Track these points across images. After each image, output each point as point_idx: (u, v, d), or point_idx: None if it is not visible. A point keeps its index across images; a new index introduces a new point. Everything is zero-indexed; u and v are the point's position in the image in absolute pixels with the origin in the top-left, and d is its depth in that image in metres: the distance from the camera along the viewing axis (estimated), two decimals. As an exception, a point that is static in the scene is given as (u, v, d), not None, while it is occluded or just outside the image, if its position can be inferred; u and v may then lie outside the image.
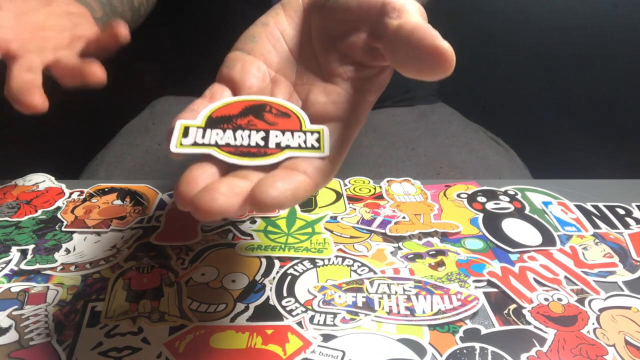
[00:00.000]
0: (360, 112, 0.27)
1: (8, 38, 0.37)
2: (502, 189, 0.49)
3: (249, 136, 0.25)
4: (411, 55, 0.23)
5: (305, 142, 0.25)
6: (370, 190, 0.49)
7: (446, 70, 0.22)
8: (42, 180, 0.49)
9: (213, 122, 0.26)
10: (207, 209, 0.21)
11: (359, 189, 0.49)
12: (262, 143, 0.25)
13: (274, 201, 0.21)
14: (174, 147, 0.24)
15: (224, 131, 0.25)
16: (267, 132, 0.26)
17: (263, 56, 0.30)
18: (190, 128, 0.25)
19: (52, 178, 0.49)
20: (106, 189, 0.47)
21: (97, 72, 0.37)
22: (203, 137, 0.25)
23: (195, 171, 0.23)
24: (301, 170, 0.24)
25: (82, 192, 0.47)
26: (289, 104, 0.28)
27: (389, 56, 0.25)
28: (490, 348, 0.31)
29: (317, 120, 0.27)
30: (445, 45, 0.22)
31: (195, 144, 0.25)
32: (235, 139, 0.25)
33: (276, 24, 0.30)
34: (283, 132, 0.26)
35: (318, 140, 0.25)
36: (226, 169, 0.24)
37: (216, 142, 0.25)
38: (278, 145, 0.25)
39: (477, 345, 0.31)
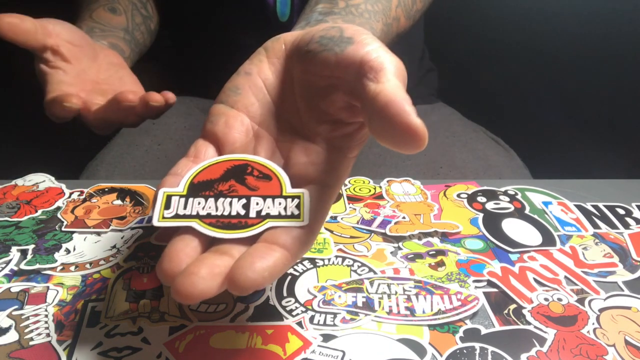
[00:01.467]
0: (342, 171, 0.27)
1: (80, 94, 0.42)
2: (502, 189, 0.49)
3: (230, 204, 0.26)
4: (385, 128, 0.23)
5: (285, 209, 0.25)
6: (370, 190, 0.49)
7: (418, 147, 0.22)
8: (42, 180, 0.49)
9: (195, 189, 0.26)
10: (188, 294, 0.22)
11: (359, 189, 0.49)
12: (243, 212, 0.25)
13: (252, 283, 0.22)
14: (156, 221, 0.25)
15: (206, 200, 0.26)
16: (248, 199, 0.26)
17: (246, 109, 0.30)
18: (172, 197, 0.26)
19: (52, 178, 0.49)
20: (106, 189, 0.47)
21: (157, 97, 0.39)
22: (185, 207, 0.25)
23: (177, 245, 0.24)
24: (280, 244, 0.24)
25: (82, 192, 0.47)
26: (271, 164, 0.28)
27: (366, 121, 0.24)
28: (490, 348, 0.31)
29: (299, 181, 0.27)
30: (418, 123, 0.22)
31: (177, 215, 0.25)
32: (216, 209, 0.25)
33: (259, 73, 0.30)
34: (264, 198, 0.26)
35: (298, 206, 0.25)
36: (208, 240, 0.25)
37: (197, 213, 0.25)
38: (259, 213, 0.25)
39: (477, 345, 0.31)
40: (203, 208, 0.25)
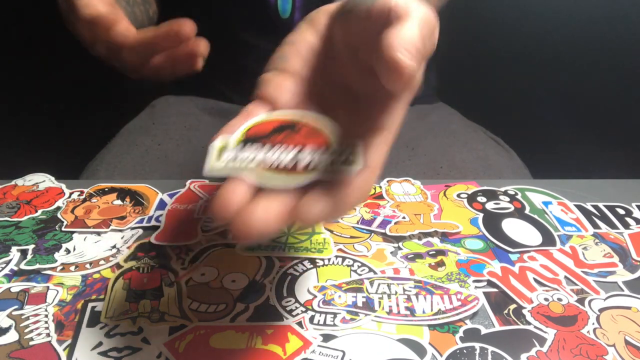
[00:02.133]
0: (396, 115, 0.27)
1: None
2: (502, 189, 0.49)
3: (281, 156, 0.26)
4: (376, 63, 0.23)
5: (338, 157, 0.25)
6: (370, 190, 0.49)
7: (399, 81, 0.22)
8: (42, 180, 0.49)
9: (246, 141, 0.27)
10: (246, 233, 0.22)
11: (359, 189, 0.49)
12: (293, 163, 0.25)
13: (316, 217, 0.23)
14: (207, 169, 0.25)
15: (257, 151, 0.26)
16: (299, 151, 0.26)
17: (294, 72, 0.30)
18: (224, 148, 0.26)
19: (52, 178, 0.49)
20: (106, 189, 0.47)
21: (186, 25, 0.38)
22: (235, 159, 0.26)
23: (229, 189, 0.24)
24: (337, 186, 0.24)
25: (82, 192, 0.47)
26: (321, 119, 0.28)
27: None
28: (490, 348, 0.31)
29: (350, 134, 0.27)
30: (399, 57, 0.22)
31: (228, 165, 0.26)
32: (267, 159, 0.26)
33: (303, 40, 0.31)
34: (314, 150, 0.26)
35: (350, 155, 0.25)
36: (257, 190, 0.25)
37: (248, 164, 0.25)
38: (309, 164, 0.25)
39: (477, 345, 0.31)
40: (253, 159, 0.26)
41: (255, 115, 0.29)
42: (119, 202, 0.45)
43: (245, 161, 0.25)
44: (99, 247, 0.39)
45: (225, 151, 0.26)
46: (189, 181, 0.49)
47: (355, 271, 0.37)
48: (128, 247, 0.39)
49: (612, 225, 0.44)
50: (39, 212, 0.44)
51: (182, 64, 0.41)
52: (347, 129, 0.27)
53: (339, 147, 0.26)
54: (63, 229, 0.41)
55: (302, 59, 0.31)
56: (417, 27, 0.24)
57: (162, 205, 0.45)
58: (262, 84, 0.30)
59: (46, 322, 0.32)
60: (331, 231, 0.42)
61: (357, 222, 0.43)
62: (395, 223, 0.43)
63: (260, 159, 0.26)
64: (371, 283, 0.36)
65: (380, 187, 0.49)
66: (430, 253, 0.39)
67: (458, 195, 0.48)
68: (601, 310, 0.34)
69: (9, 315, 0.32)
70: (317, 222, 0.22)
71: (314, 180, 0.24)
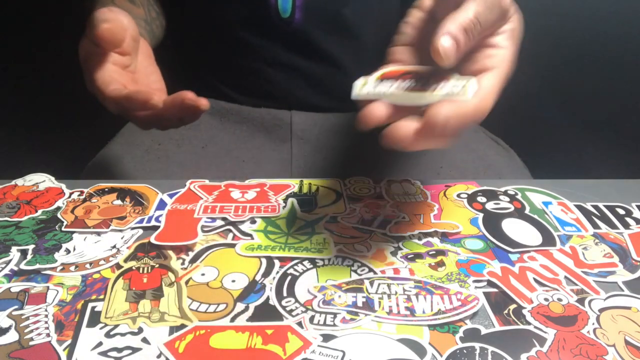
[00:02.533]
0: (501, 56, 0.34)
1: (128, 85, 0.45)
2: (502, 189, 0.49)
3: (412, 82, 0.34)
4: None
5: (457, 84, 0.33)
6: (370, 190, 0.49)
7: (442, 63, 0.31)
8: (42, 180, 0.49)
9: (382, 80, 0.35)
10: (393, 142, 0.31)
11: (359, 189, 0.49)
12: (422, 85, 0.33)
13: (445, 119, 0.29)
14: (354, 94, 0.34)
15: (392, 83, 0.34)
16: (426, 80, 0.34)
17: (412, 44, 0.39)
18: (365, 84, 0.35)
19: (52, 178, 0.49)
20: (106, 189, 0.47)
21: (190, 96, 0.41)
22: (375, 87, 0.34)
23: (372, 108, 0.33)
24: (459, 101, 0.31)
25: (82, 192, 0.47)
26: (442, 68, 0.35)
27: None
28: (490, 348, 0.31)
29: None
30: (440, 45, 0.31)
31: (370, 92, 0.34)
32: (401, 85, 0.34)
33: (413, 17, 0.39)
34: (439, 81, 0.33)
35: (467, 83, 0.32)
36: (394, 111, 0.33)
37: (386, 89, 0.34)
38: (436, 87, 0.33)
39: (477, 345, 0.31)
40: (389, 87, 0.34)
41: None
42: (119, 202, 0.45)
43: (383, 89, 0.34)
44: (99, 247, 0.39)
45: (366, 85, 0.35)
46: (189, 181, 0.49)
47: (355, 271, 0.37)
48: (128, 247, 0.39)
49: (612, 225, 0.44)
50: (39, 212, 0.44)
51: (186, 119, 0.45)
52: (462, 72, 0.34)
53: (457, 80, 0.33)
54: (63, 229, 0.41)
55: (415, 29, 0.39)
56: (472, 8, 0.32)
57: (162, 205, 0.45)
58: (390, 54, 0.39)
59: (46, 322, 0.32)
60: (331, 231, 0.42)
61: (357, 222, 0.43)
62: (395, 223, 0.43)
63: (395, 86, 0.34)
64: (371, 283, 0.36)
65: (380, 187, 0.49)
66: (430, 253, 0.39)
67: (458, 195, 0.48)
68: (601, 310, 0.34)
69: (9, 315, 0.32)
70: (445, 128, 0.29)
71: (440, 99, 0.31)
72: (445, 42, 0.31)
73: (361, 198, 0.47)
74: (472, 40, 0.33)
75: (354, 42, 0.64)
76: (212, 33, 0.67)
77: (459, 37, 0.31)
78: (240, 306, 0.34)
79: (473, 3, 0.32)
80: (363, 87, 0.35)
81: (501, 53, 0.35)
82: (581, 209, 0.46)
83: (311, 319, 0.33)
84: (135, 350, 0.30)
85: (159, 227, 0.42)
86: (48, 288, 0.35)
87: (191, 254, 0.39)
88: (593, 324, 0.33)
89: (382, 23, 0.65)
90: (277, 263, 0.38)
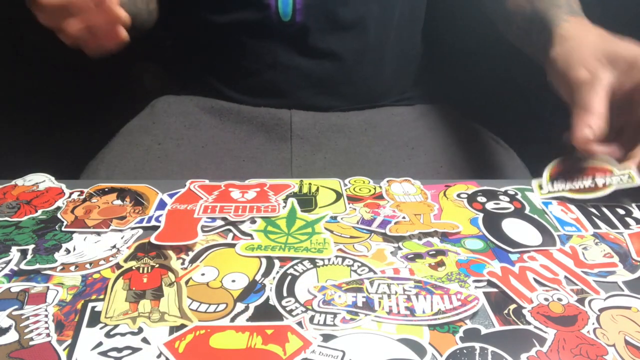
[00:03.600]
0: None
1: None
2: (502, 189, 0.49)
3: (583, 182, 0.46)
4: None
5: (622, 176, 0.45)
6: (370, 190, 0.49)
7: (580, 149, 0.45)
8: (42, 180, 0.49)
9: (552, 180, 0.49)
10: None
11: (359, 189, 0.49)
12: (594, 184, 0.46)
13: None
14: (539, 197, 0.48)
15: (563, 184, 0.47)
16: (593, 178, 0.46)
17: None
18: (541, 185, 0.49)
19: (52, 178, 0.49)
20: (106, 189, 0.47)
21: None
22: (553, 188, 0.48)
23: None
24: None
25: (82, 192, 0.47)
26: (603, 158, 0.47)
27: None
28: (490, 348, 0.31)
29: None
30: (579, 135, 0.45)
31: (551, 191, 0.48)
32: (573, 186, 0.47)
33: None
34: (604, 176, 0.45)
35: (629, 174, 0.44)
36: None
37: (561, 191, 0.47)
38: (605, 182, 0.45)
39: (477, 345, 0.31)
40: (564, 187, 0.47)
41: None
42: (119, 202, 0.45)
43: (559, 187, 0.47)
44: (99, 247, 0.39)
45: (542, 188, 0.48)
46: (189, 181, 0.49)
47: (355, 271, 0.37)
48: (128, 247, 0.39)
49: (612, 225, 0.44)
50: (39, 212, 0.44)
51: (104, 35, 0.40)
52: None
53: (619, 170, 0.45)
54: (63, 229, 0.41)
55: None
56: (599, 103, 0.44)
57: (162, 205, 0.45)
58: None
59: (46, 322, 0.32)
60: (331, 231, 0.42)
61: (357, 222, 0.43)
62: (395, 223, 0.43)
63: (569, 187, 0.46)
64: (371, 283, 0.36)
65: (380, 187, 0.49)
66: (430, 253, 0.39)
67: (458, 195, 0.48)
68: (601, 310, 0.34)
69: (9, 315, 0.32)
70: None
71: (611, 192, 0.44)
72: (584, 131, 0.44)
73: (361, 198, 0.47)
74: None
75: (353, 42, 0.64)
76: (212, 35, 0.67)
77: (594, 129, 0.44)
78: (240, 306, 0.34)
79: (596, 97, 0.45)
80: (541, 189, 0.48)
81: None
82: (581, 209, 0.46)
83: (311, 319, 0.33)
84: (135, 350, 0.30)
85: (159, 227, 0.42)
86: (48, 288, 0.35)
87: (191, 254, 0.39)
88: (593, 323, 0.33)
89: (381, 22, 0.65)
90: (277, 263, 0.38)
